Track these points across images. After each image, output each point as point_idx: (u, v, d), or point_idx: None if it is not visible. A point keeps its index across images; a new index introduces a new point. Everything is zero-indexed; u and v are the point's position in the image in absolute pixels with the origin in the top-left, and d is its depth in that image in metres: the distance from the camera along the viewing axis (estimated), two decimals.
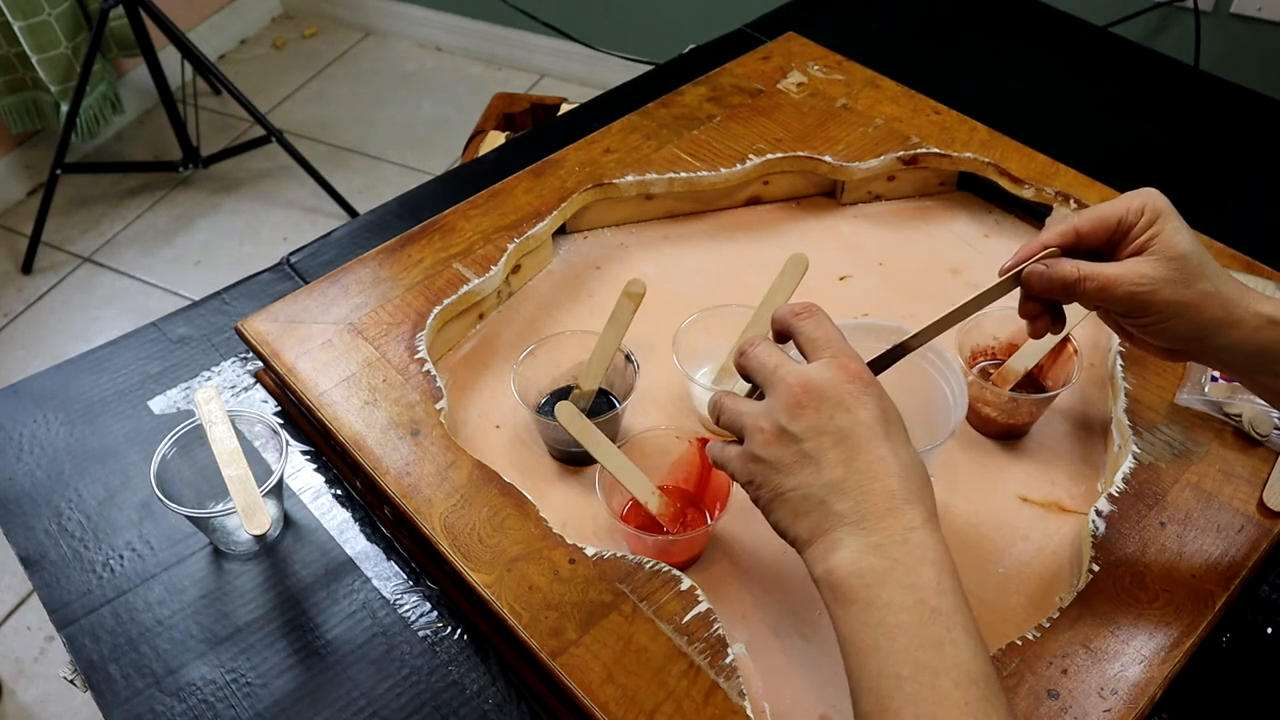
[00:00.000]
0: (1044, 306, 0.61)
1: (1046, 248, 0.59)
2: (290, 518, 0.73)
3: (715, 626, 0.60)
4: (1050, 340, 0.74)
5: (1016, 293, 0.61)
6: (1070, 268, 0.58)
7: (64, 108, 2.07)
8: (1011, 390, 0.74)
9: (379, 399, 0.73)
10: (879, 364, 0.60)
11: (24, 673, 1.50)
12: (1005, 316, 0.77)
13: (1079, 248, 0.59)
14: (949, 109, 0.96)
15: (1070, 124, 1.04)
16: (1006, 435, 0.76)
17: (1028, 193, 0.89)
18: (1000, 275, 0.60)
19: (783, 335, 0.58)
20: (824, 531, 0.51)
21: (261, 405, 0.80)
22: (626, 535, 0.68)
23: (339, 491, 0.74)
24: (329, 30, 2.75)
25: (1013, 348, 0.78)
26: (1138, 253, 0.57)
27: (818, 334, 0.55)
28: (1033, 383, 0.77)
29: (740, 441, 0.56)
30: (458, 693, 0.63)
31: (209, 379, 0.82)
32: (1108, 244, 0.59)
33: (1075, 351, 0.74)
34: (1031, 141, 0.92)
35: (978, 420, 0.76)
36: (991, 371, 0.77)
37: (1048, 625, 0.61)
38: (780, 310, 0.58)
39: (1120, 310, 0.59)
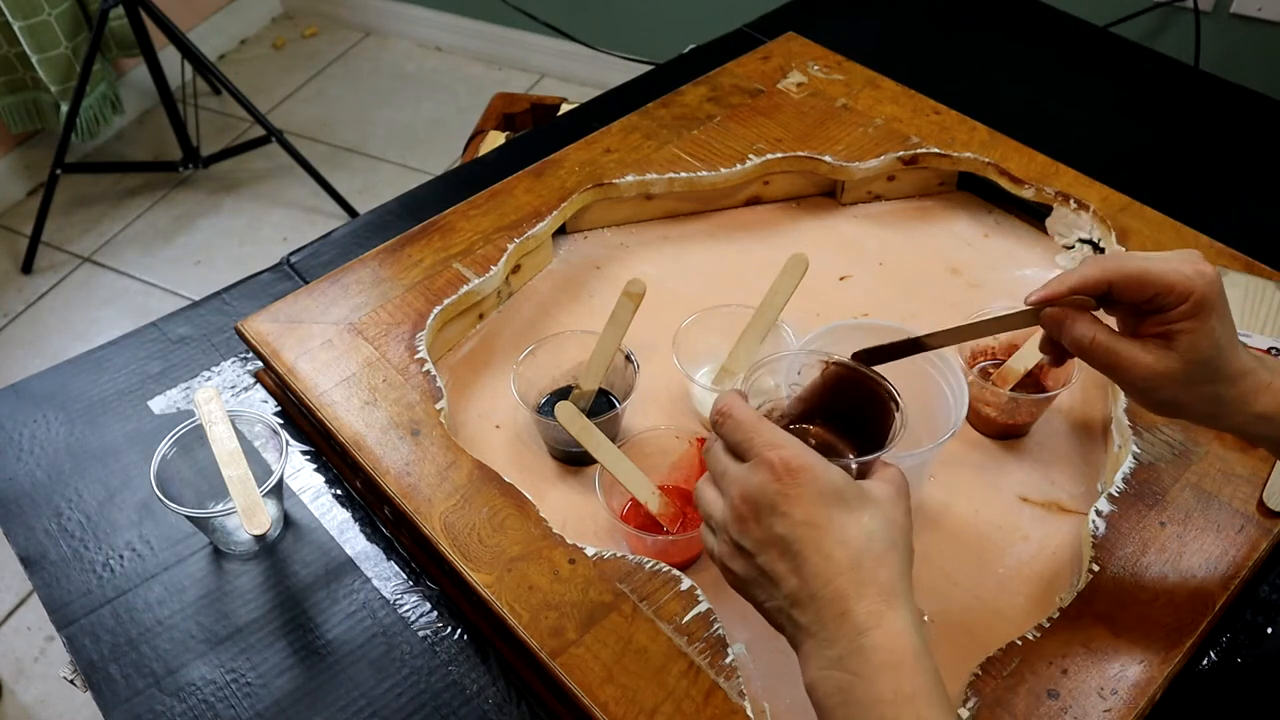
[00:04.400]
0: (1055, 343, 0.60)
1: (1076, 292, 0.56)
2: (290, 518, 0.73)
3: (715, 626, 0.60)
4: None
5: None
6: (1086, 332, 0.56)
7: (64, 108, 2.07)
8: (1011, 390, 0.74)
9: (379, 399, 0.73)
10: (889, 353, 0.59)
11: (24, 673, 1.50)
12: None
13: (1108, 298, 0.57)
14: (949, 109, 0.96)
15: (1070, 124, 1.04)
16: (1006, 435, 0.76)
17: (1028, 193, 0.89)
18: (1026, 304, 0.59)
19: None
20: (797, 644, 0.51)
21: (261, 405, 0.80)
22: (626, 535, 0.68)
23: (339, 491, 0.74)
24: (329, 30, 2.75)
25: (1013, 348, 0.78)
26: (1162, 335, 0.55)
27: (737, 436, 0.53)
28: (1033, 382, 0.77)
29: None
30: (458, 693, 0.63)
31: (209, 379, 0.82)
32: (1136, 306, 0.56)
33: None
34: (1031, 141, 0.92)
35: (978, 420, 0.76)
36: (991, 371, 0.77)
37: (1048, 625, 0.61)
38: (712, 415, 0.55)
39: (1120, 385, 0.58)
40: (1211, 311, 0.54)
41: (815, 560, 0.50)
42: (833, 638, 0.49)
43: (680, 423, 0.77)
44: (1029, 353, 0.75)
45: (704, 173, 0.91)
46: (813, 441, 0.56)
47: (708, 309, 0.78)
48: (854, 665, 0.48)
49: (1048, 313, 0.58)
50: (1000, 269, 0.90)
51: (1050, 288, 0.57)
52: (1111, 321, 0.58)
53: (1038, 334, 0.74)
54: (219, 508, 0.71)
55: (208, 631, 0.67)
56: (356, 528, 0.72)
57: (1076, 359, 0.73)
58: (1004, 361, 0.77)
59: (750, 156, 0.92)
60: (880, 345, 0.59)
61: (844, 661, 0.49)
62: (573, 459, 0.75)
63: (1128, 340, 0.56)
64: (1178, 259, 0.55)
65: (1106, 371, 0.57)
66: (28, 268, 2.10)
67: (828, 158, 0.92)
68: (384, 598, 0.68)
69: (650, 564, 0.63)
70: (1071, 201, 0.87)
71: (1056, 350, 0.60)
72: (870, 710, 0.47)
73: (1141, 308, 0.56)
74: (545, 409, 0.76)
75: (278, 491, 0.72)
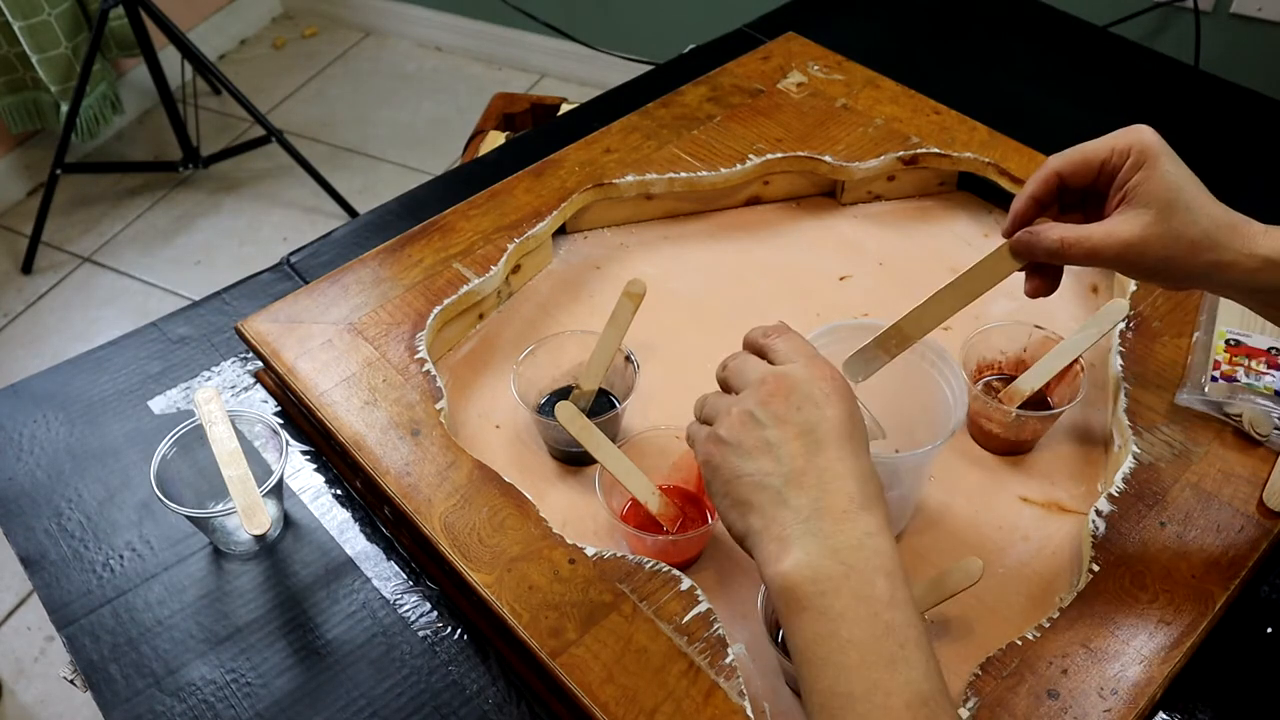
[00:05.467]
0: (1037, 269, 0.61)
1: (1034, 198, 0.59)
2: (290, 518, 0.73)
3: (715, 626, 0.60)
4: (1060, 361, 0.73)
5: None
6: (1053, 235, 0.57)
7: (64, 108, 2.07)
8: (1018, 408, 0.73)
9: (379, 399, 0.73)
10: (873, 356, 0.60)
11: (24, 673, 1.50)
12: (1014, 330, 0.77)
13: (1067, 187, 0.59)
14: (949, 109, 0.96)
15: (1070, 124, 1.04)
16: (1011, 451, 0.75)
17: None
18: (1004, 236, 0.61)
19: (759, 355, 0.57)
20: (779, 526, 0.50)
21: (261, 405, 0.80)
22: (626, 535, 0.68)
23: (339, 491, 0.74)
24: (329, 30, 2.75)
25: (1020, 364, 0.77)
26: (1123, 200, 0.57)
27: (790, 345, 0.54)
28: (1038, 399, 0.75)
29: None
30: (458, 693, 0.63)
31: (209, 379, 0.82)
32: (1094, 186, 0.58)
33: (1082, 369, 0.73)
34: (1031, 141, 0.92)
35: (981, 436, 0.75)
36: (998, 386, 0.76)
37: (1048, 625, 0.61)
38: (751, 332, 0.57)
39: (1111, 268, 0.58)
40: (1158, 157, 0.56)
41: (830, 456, 0.50)
42: (832, 530, 0.49)
43: (680, 423, 0.77)
44: (1037, 373, 0.74)
45: (704, 173, 0.91)
46: None
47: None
48: (852, 559, 0.48)
49: (1016, 242, 0.59)
50: None
51: (1013, 211, 0.60)
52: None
53: (1047, 354, 0.74)
54: (219, 508, 0.71)
55: (208, 631, 0.67)
56: (356, 528, 0.72)
57: (1082, 374, 0.73)
58: (1011, 377, 0.76)
59: (750, 156, 0.92)
60: (861, 350, 0.60)
61: (840, 553, 0.48)
62: (573, 459, 0.75)
63: (1095, 224, 0.57)
64: (1112, 134, 0.58)
65: (1090, 262, 0.57)
66: (28, 268, 2.10)
67: (828, 158, 0.92)
68: (384, 598, 0.68)
69: (650, 564, 0.63)
70: None
71: (1042, 276, 0.61)
72: (864, 605, 0.47)
73: (1098, 186, 0.58)
74: (545, 409, 0.76)
75: (278, 491, 0.72)
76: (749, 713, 0.57)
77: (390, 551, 0.71)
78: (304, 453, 0.77)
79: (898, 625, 0.47)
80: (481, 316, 0.85)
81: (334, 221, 2.16)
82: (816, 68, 1.03)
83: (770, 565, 0.49)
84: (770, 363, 0.55)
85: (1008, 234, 0.60)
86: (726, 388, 0.57)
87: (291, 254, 0.92)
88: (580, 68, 2.45)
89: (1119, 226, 0.56)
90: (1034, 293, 0.61)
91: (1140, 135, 0.57)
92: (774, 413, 0.51)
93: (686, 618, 0.61)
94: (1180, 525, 0.66)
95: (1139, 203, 0.56)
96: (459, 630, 0.66)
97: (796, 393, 0.52)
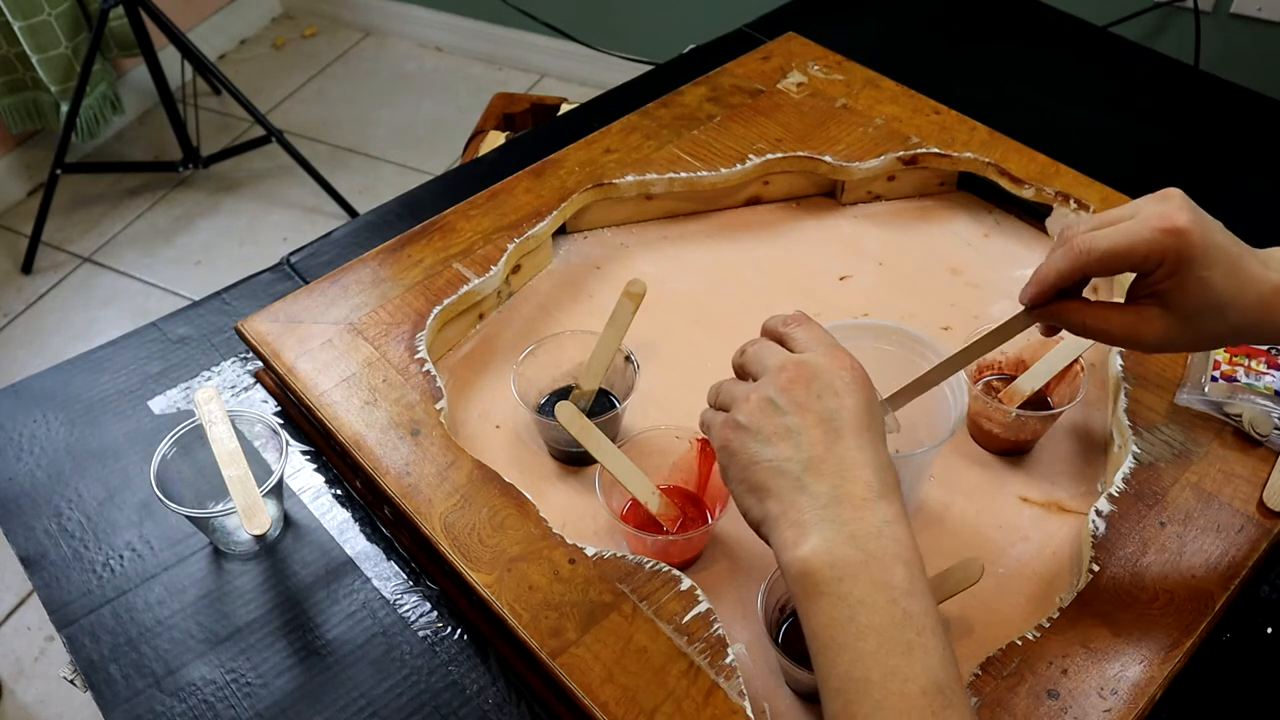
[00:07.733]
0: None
1: (1057, 287, 0.56)
2: (290, 518, 0.73)
3: (715, 626, 0.60)
4: (1060, 361, 0.73)
5: None
6: (1076, 319, 0.56)
7: (64, 108, 2.07)
8: (1018, 408, 0.73)
9: (379, 399, 0.73)
10: (902, 397, 0.60)
11: (24, 673, 1.50)
12: None
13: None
14: (949, 109, 0.96)
15: (1070, 124, 1.04)
16: (1011, 451, 0.75)
17: (1028, 193, 0.89)
18: (1020, 302, 0.58)
19: (777, 343, 0.57)
20: (797, 512, 0.50)
21: (261, 405, 0.80)
22: (626, 535, 0.68)
23: (339, 491, 0.74)
24: (329, 30, 2.75)
25: (1021, 364, 0.77)
26: (1152, 295, 0.54)
27: (810, 335, 0.55)
28: (1039, 399, 0.76)
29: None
30: (458, 693, 0.63)
31: (209, 379, 0.82)
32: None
33: (1082, 369, 0.73)
34: (1031, 141, 0.92)
35: (981, 436, 0.75)
36: (998, 386, 0.76)
37: (1048, 625, 0.61)
38: (770, 320, 0.58)
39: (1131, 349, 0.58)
40: (1193, 263, 0.52)
41: (850, 444, 0.51)
42: (851, 517, 0.49)
43: (680, 423, 0.77)
44: (1037, 373, 0.74)
45: (704, 173, 0.91)
46: None
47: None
48: (871, 547, 0.48)
49: (1044, 327, 0.59)
50: (1000, 269, 0.90)
51: (1036, 285, 0.57)
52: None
53: (1047, 354, 0.74)
54: (219, 508, 0.71)
55: (208, 631, 0.67)
56: (356, 528, 0.72)
57: (1082, 373, 0.73)
58: (1012, 377, 0.76)
59: (750, 156, 0.92)
60: (903, 389, 0.60)
61: (859, 540, 0.48)
62: (573, 459, 0.75)
63: (1120, 311, 0.56)
64: (1143, 223, 0.52)
65: (1100, 339, 0.57)
66: (28, 268, 2.10)
67: (828, 158, 0.92)
68: (384, 598, 0.68)
69: (650, 564, 0.63)
70: (1071, 201, 0.87)
71: (1048, 330, 0.61)
72: (882, 592, 0.47)
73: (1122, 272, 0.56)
74: (545, 409, 0.76)
75: (278, 491, 0.72)
76: (749, 713, 0.57)
77: (390, 551, 0.71)
78: (304, 453, 0.77)
79: (915, 613, 0.47)
80: (481, 316, 0.85)
81: (334, 221, 2.16)
82: (816, 68, 1.03)
83: (788, 550, 0.50)
84: (790, 350, 0.55)
85: (1028, 302, 0.58)
86: (743, 374, 0.57)
87: (291, 254, 0.92)
88: (580, 68, 2.45)
89: (1143, 325, 0.54)
90: (1049, 334, 0.62)
91: (1174, 239, 0.51)
92: (794, 399, 0.52)
93: (686, 618, 0.61)
94: (1180, 525, 0.66)
95: (1167, 305, 0.54)
96: (459, 630, 0.66)
97: (817, 380, 0.52)
